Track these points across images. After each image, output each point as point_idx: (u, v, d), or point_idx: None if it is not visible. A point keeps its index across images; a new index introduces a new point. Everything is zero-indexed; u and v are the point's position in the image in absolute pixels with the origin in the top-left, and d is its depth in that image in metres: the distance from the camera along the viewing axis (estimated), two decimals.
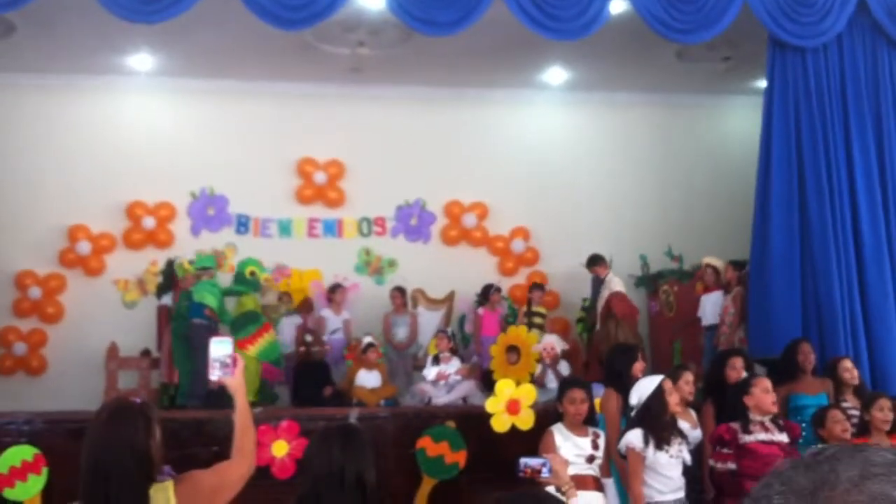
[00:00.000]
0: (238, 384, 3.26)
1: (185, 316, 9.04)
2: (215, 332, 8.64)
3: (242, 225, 11.44)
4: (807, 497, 0.84)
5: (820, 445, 1.02)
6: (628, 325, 9.71)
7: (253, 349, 8.79)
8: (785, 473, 0.89)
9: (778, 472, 0.90)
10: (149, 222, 11.13)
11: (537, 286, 10.88)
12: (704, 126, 12.20)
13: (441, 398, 8.73)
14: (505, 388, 6.94)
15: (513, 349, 9.58)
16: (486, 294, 10.70)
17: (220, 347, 3.26)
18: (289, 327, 10.32)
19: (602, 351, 9.59)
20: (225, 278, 11.04)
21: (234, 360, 3.26)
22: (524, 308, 10.67)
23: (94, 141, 11.10)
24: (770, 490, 0.88)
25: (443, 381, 8.83)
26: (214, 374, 3.25)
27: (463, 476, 6.87)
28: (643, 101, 12.00)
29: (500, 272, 11.78)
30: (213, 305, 8.65)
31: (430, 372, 8.98)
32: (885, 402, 6.21)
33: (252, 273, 9.14)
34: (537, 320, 10.40)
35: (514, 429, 6.77)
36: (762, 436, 5.83)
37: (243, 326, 8.91)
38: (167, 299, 10.04)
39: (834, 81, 8.63)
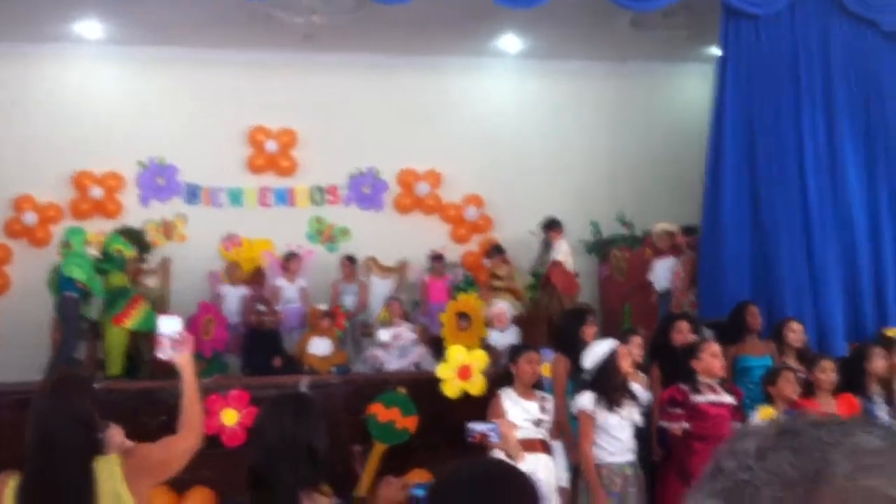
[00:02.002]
0: (186, 361, 3.25)
1: (55, 291, 8.93)
2: (86, 304, 8.64)
3: (192, 195, 11.30)
4: (799, 492, 0.79)
5: (794, 413, 0.93)
6: (566, 297, 9.73)
7: (129, 322, 8.75)
8: (769, 456, 0.83)
9: (760, 452, 0.84)
10: (96, 192, 10.95)
11: (496, 249, 10.87)
12: (658, 93, 12.24)
13: (393, 364, 8.75)
14: (456, 353, 6.97)
15: (463, 316, 9.61)
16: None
17: (168, 324, 3.23)
18: (235, 297, 10.25)
19: (538, 319, 9.69)
20: (173, 249, 10.94)
21: (184, 338, 3.24)
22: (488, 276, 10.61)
23: (41, 110, 10.87)
24: (755, 476, 0.82)
25: (398, 342, 8.85)
26: (164, 353, 3.23)
27: (414, 441, 6.90)
28: (597, 68, 12.01)
29: (453, 240, 11.79)
30: (82, 278, 8.55)
31: (385, 333, 9.00)
32: (827, 364, 6.33)
33: (118, 251, 9.04)
34: (496, 283, 10.39)
35: (465, 394, 6.81)
36: (712, 397, 5.92)
37: (114, 302, 8.85)
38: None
39: (786, 50, 8.72)
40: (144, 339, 9.70)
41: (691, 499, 0.87)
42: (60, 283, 8.72)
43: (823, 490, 0.79)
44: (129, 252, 9.34)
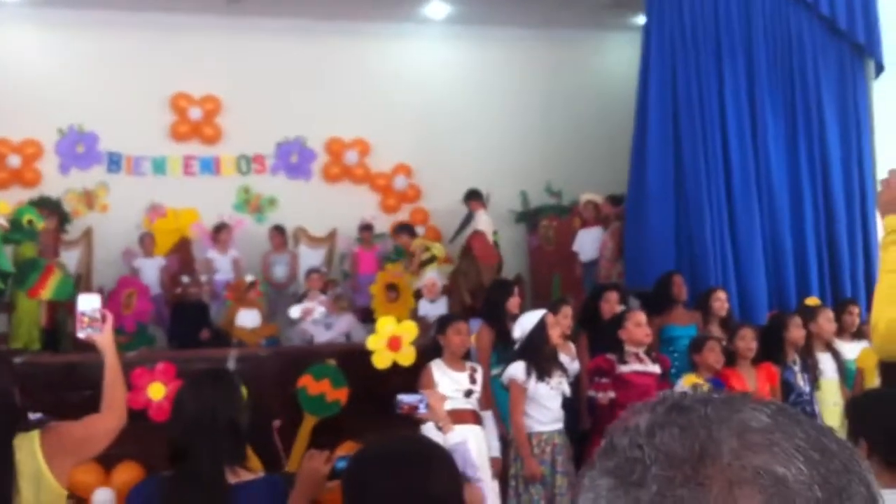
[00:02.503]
0: (107, 340, 3.20)
1: None
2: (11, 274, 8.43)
3: (114, 163, 11.05)
4: (687, 470, 0.78)
5: (682, 389, 0.92)
6: (485, 267, 9.76)
7: (45, 292, 8.55)
8: (658, 433, 0.82)
9: (650, 429, 0.83)
10: (14, 161, 10.65)
11: (403, 228, 10.71)
12: (586, 62, 12.30)
13: (322, 336, 8.71)
14: (386, 325, 6.96)
15: (391, 287, 9.60)
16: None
17: (87, 302, 3.17)
18: (152, 269, 10.08)
19: (457, 286, 9.69)
20: (96, 219, 10.68)
21: (103, 316, 3.17)
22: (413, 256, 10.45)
23: None
24: (643, 454, 0.81)
25: (308, 317, 8.79)
26: (82, 332, 3.16)
27: (345, 413, 6.89)
28: (525, 36, 12.01)
29: (382, 209, 11.75)
30: None
31: (295, 310, 8.94)
32: (747, 332, 6.47)
33: (30, 222, 8.83)
34: (424, 256, 10.30)
35: (395, 365, 6.81)
36: (637, 366, 6.02)
37: (28, 275, 8.64)
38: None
39: (708, 20, 8.81)
40: (66, 311, 9.51)
41: (586, 475, 0.86)
42: None
43: (710, 468, 0.78)
44: (41, 223, 9.08)
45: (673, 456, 0.80)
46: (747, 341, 6.36)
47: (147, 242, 10.32)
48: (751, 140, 8.73)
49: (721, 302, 7.29)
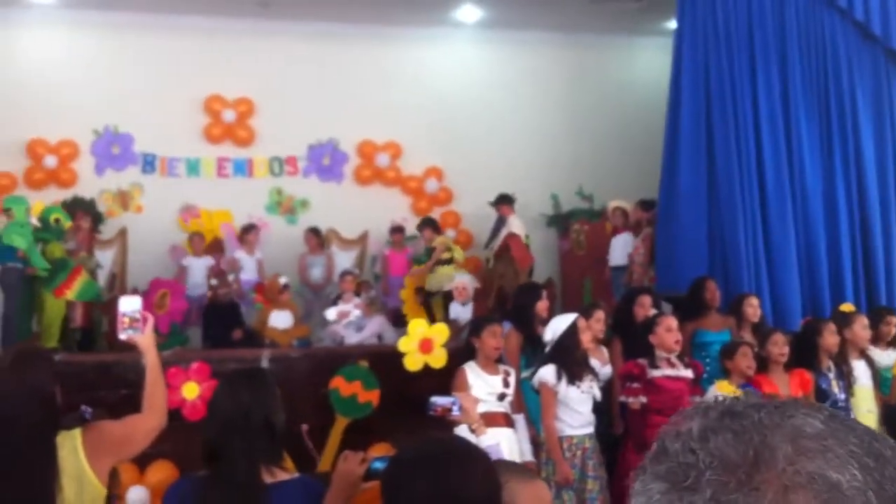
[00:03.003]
0: (148, 342, 3.22)
1: None
2: (27, 275, 8.49)
3: (149, 164, 11.16)
4: (741, 475, 0.79)
5: (734, 394, 0.91)
6: (521, 269, 9.75)
7: (70, 293, 8.63)
8: (711, 438, 0.83)
9: (703, 433, 0.83)
10: (50, 161, 10.78)
11: (427, 222, 10.72)
12: (616, 66, 12.27)
13: (352, 338, 8.74)
14: (417, 327, 6.97)
15: (421, 290, 9.62)
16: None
17: (128, 304, 3.20)
18: (200, 268, 10.18)
19: (491, 289, 9.71)
20: (130, 219, 10.79)
21: (144, 318, 3.20)
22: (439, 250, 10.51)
23: None
24: (697, 459, 0.82)
25: (344, 319, 8.83)
26: (124, 333, 3.19)
27: (376, 415, 6.91)
28: (556, 40, 12.01)
29: (413, 212, 11.77)
30: (23, 247, 8.40)
31: (331, 312, 8.98)
32: (778, 337, 6.41)
33: (56, 220, 8.91)
34: (446, 255, 10.33)
35: (426, 367, 6.82)
36: (669, 371, 5.99)
37: (56, 274, 8.72)
38: (69, 242, 9.71)
39: (741, 24, 8.75)
40: (101, 311, 9.61)
41: (638, 479, 0.87)
42: (0, 252, 8.55)
43: (764, 473, 0.79)
44: (68, 222, 9.19)
45: (727, 461, 0.81)
46: (779, 347, 6.31)
47: (196, 242, 10.43)
48: (784, 144, 8.66)
49: (754, 308, 7.23)
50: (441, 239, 10.34)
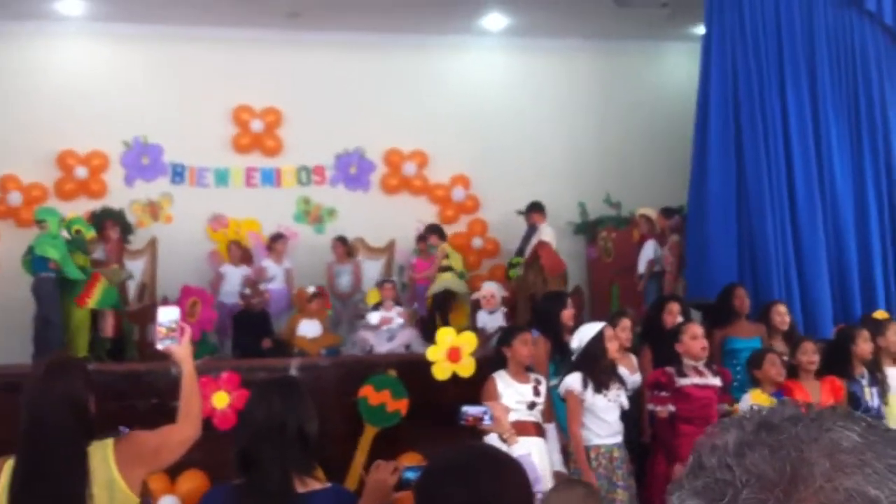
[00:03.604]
0: (185, 352, 3.23)
1: (30, 271, 8.82)
2: (60, 284, 8.56)
3: (178, 174, 11.24)
4: (779, 494, 0.78)
5: (770, 405, 0.89)
6: (552, 278, 9.73)
7: (91, 301, 8.69)
8: (748, 454, 0.82)
9: (739, 449, 0.82)
10: (81, 172, 10.88)
11: (433, 228, 10.74)
12: (643, 72, 12.23)
13: (382, 346, 8.76)
14: (445, 336, 6.96)
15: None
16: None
17: (166, 314, 3.22)
18: (236, 277, 10.25)
19: (522, 298, 9.70)
20: (160, 229, 10.87)
21: (182, 329, 3.22)
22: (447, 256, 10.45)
23: (24, 88, 10.77)
24: (734, 475, 0.81)
25: (385, 326, 8.85)
26: (161, 343, 3.21)
27: (405, 423, 6.91)
28: (582, 47, 11.99)
29: (440, 220, 11.77)
30: (55, 258, 8.47)
31: (374, 316, 8.99)
32: (808, 346, 6.36)
33: (77, 231, 8.98)
34: (445, 262, 10.29)
35: (454, 376, 6.81)
36: (697, 379, 5.95)
37: (75, 284, 8.78)
38: (98, 252, 9.80)
39: (770, 29, 8.70)
40: (132, 320, 9.68)
41: (675, 495, 0.86)
42: (33, 263, 8.63)
43: (802, 491, 0.78)
44: (90, 233, 9.28)
45: (764, 478, 0.80)
46: (808, 355, 6.26)
47: (234, 251, 10.51)
48: (814, 150, 8.59)
49: (781, 316, 7.18)
50: (443, 246, 10.37)
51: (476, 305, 9.42)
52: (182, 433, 3.16)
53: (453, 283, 9.86)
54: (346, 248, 10.83)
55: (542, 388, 5.90)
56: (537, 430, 5.76)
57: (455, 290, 9.91)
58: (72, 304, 8.70)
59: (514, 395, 5.69)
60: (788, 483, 0.79)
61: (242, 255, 10.68)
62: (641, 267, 10.12)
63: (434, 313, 9.80)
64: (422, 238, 10.92)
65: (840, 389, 6.27)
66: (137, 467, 3.02)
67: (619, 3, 10.54)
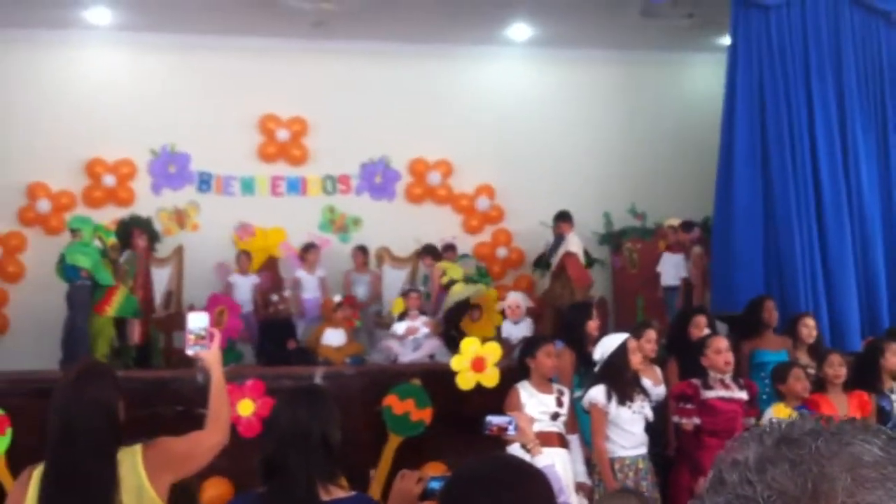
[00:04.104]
0: (214, 358, 3.24)
1: (63, 279, 8.89)
2: (93, 293, 8.61)
3: (205, 183, 11.32)
4: None
5: (789, 417, 0.88)
6: (579, 289, 9.69)
7: (111, 309, 8.75)
8: (769, 469, 0.82)
9: (760, 464, 0.82)
10: (109, 180, 10.98)
11: (427, 249, 10.70)
12: (669, 83, 12.20)
13: (407, 356, 8.77)
14: (470, 345, 6.96)
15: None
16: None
17: (196, 320, 3.24)
18: (246, 287, 10.28)
19: (549, 308, 9.68)
20: (186, 237, 10.95)
21: (211, 335, 3.24)
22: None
23: (53, 97, 10.89)
24: (755, 491, 0.81)
25: (412, 335, 8.86)
26: (191, 349, 3.22)
27: (428, 433, 6.91)
28: (608, 57, 11.98)
29: (464, 230, 11.78)
30: (87, 266, 8.53)
31: (401, 326, 9.00)
32: (835, 358, 6.31)
33: (99, 238, 9.05)
34: (444, 280, 10.14)
35: (478, 386, 6.81)
36: (722, 392, 5.92)
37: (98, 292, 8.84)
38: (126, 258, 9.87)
39: (796, 39, 8.67)
40: (158, 327, 9.75)
41: None
42: (65, 271, 8.71)
43: None
44: (110, 239, 9.36)
45: (786, 494, 0.79)
46: (835, 368, 6.21)
47: (243, 260, 10.54)
48: (841, 161, 8.54)
49: (809, 329, 7.12)
50: (438, 266, 10.32)
51: (501, 316, 9.41)
52: (210, 439, 3.17)
53: (465, 291, 9.81)
54: (364, 257, 10.86)
55: (566, 399, 5.88)
56: (560, 440, 5.76)
57: (470, 297, 9.85)
58: (91, 312, 8.78)
59: (537, 405, 5.68)
60: (810, 499, 0.78)
61: (267, 263, 10.70)
62: (667, 279, 10.07)
63: (451, 330, 9.71)
64: (447, 248, 10.89)
65: (868, 404, 6.22)
66: (166, 473, 3.03)
67: (644, 13, 10.54)
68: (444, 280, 9.97)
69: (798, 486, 0.80)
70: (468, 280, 9.96)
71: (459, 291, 9.76)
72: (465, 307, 9.62)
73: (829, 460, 0.81)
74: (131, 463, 2.98)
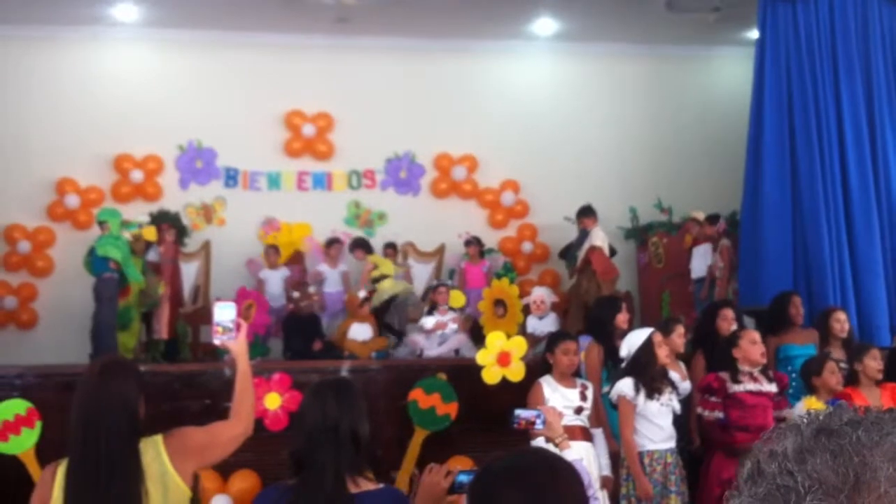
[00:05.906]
0: (241, 348, 3.26)
1: (91, 272, 8.95)
2: (122, 285, 8.68)
3: (231, 178, 11.37)
4: (843, 500, 0.77)
5: (826, 409, 0.88)
6: (605, 283, 9.66)
7: (123, 303, 8.82)
8: (809, 460, 0.81)
9: (799, 454, 0.82)
10: (136, 175, 11.06)
11: (358, 243, 10.69)
12: (694, 77, 12.14)
13: (433, 350, 8.78)
14: (496, 340, 6.96)
15: (499, 302, 9.63)
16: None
17: (223, 311, 3.25)
18: (277, 280, 10.33)
19: (577, 303, 9.66)
20: (213, 232, 11.02)
21: (238, 325, 3.25)
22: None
23: (81, 93, 10.99)
24: (796, 481, 0.80)
25: (440, 330, 8.87)
26: (217, 339, 3.24)
27: (454, 427, 6.92)
28: (633, 52, 11.93)
29: (490, 225, 11.78)
30: (117, 258, 8.57)
31: (429, 321, 9.01)
32: (876, 352, 6.28)
33: (134, 236, 9.11)
34: (375, 273, 10.07)
35: (504, 381, 6.81)
36: (751, 386, 5.89)
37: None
38: (153, 254, 9.96)
39: (824, 33, 8.61)
40: (186, 321, 9.82)
41: (733, 501, 0.86)
42: (94, 263, 8.77)
43: (867, 497, 0.77)
44: (144, 229, 9.43)
45: (827, 484, 0.79)
46: (878, 362, 6.16)
47: (271, 255, 10.56)
48: (870, 155, 8.48)
49: (841, 323, 7.08)
50: (369, 259, 10.33)
51: (526, 310, 9.40)
52: (233, 429, 3.19)
53: (393, 288, 9.84)
54: (395, 254, 10.85)
55: (589, 394, 5.90)
56: (584, 434, 5.77)
57: (398, 294, 9.89)
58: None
59: (560, 399, 5.69)
60: (852, 489, 0.78)
61: (294, 258, 10.75)
62: (697, 271, 10.03)
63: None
64: (469, 243, 10.89)
65: None
66: (188, 461, 3.06)
67: (670, 7, 10.49)
68: (375, 274, 9.99)
69: (839, 476, 0.79)
70: (398, 278, 10.02)
71: (387, 288, 9.78)
72: (391, 304, 9.70)
73: (870, 450, 0.80)
74: (154, 451, 3.01)
